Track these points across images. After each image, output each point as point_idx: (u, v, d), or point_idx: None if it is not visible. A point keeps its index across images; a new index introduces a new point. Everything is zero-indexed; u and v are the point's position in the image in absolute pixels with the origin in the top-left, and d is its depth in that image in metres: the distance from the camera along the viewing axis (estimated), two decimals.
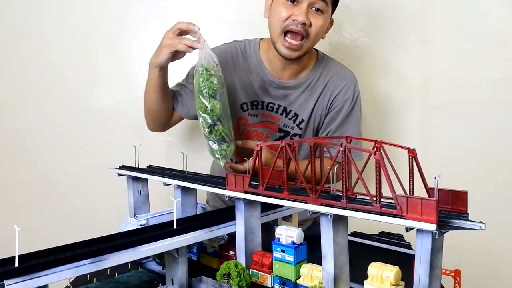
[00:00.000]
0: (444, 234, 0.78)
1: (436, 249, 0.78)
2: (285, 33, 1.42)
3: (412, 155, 0.87)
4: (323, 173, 0.94)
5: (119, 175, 1.34)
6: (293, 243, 0.96)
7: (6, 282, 0.75)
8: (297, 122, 1.58)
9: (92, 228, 1.28)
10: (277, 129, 1.59)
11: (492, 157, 1.91)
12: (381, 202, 0.81)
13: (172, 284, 1.03)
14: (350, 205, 0.85)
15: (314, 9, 1.41)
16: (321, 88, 1.56)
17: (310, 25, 1.41)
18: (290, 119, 1.58)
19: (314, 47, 1.55)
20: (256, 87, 1.55)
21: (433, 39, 1.92)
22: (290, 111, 1.57)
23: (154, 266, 1.21)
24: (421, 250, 0.79)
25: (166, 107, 1.55)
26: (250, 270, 1.03)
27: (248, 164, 1.05)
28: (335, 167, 0.88)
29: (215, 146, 1.30)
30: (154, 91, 1.46)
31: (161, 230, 1.01)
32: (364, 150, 0.87)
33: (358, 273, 0.91)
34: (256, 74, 1.54)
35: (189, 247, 1.04)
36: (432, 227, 0.74)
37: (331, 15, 1.50)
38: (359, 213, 0.83)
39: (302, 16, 1.38)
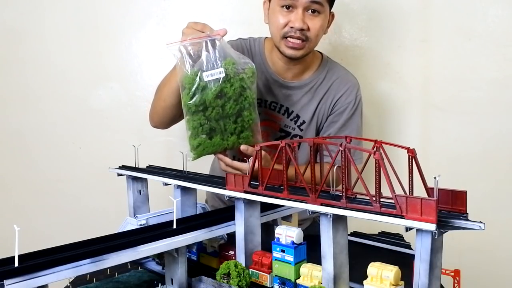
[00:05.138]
0: (444, 234, 0.78)
1: (435, 249, 0.78)
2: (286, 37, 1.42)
3: (412, 155, 0.87)
4: (323, 176, 0.93)
5: (119, 175, 1.34)
6: (293, 243, 0.96)
7: (5, 282, 0.75)
8: (298, 123, 1.57)
9: (92, 228, 1.28)
10: (278, 128, 1.59)
11: (491, 156, 1.91)
12: (381, 202, 0.81)
13: (172, 284, 1.03)
14: (349, 205, 0.85)
15: (310, 11, 1.40)
16: (324, 91, 1.56)
17: (308, 29, 1.40)
18: (291, 119, 1.57)
19: (317, 48, 1.55)
20: (260, 86, 1.54)
21: (433, 38, 1.92)
22: (292, 111, 1.56)
23: (153, 266, 1.20)
24: (420, 250, 0.79)
25: None
26: (250, 270, 1.03)
27: (248, 164, 1.05)
28: (335, 167, 0.88)
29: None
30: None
31: (161, 230, 1.01)
32: (364, 150, 0.87)
33: (358, 273, 0.91)
34: (261, 72, 1.53)
35: (188, 247, 1.04)
36: (432, 227, 0.74)
37: (330, 10, 1.48)
38: (358, 213, 0.83)
39: (298, 23, 1.37)
